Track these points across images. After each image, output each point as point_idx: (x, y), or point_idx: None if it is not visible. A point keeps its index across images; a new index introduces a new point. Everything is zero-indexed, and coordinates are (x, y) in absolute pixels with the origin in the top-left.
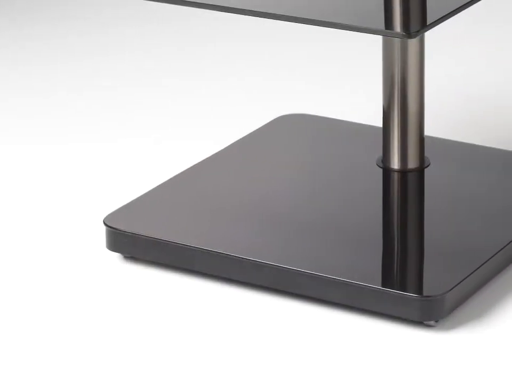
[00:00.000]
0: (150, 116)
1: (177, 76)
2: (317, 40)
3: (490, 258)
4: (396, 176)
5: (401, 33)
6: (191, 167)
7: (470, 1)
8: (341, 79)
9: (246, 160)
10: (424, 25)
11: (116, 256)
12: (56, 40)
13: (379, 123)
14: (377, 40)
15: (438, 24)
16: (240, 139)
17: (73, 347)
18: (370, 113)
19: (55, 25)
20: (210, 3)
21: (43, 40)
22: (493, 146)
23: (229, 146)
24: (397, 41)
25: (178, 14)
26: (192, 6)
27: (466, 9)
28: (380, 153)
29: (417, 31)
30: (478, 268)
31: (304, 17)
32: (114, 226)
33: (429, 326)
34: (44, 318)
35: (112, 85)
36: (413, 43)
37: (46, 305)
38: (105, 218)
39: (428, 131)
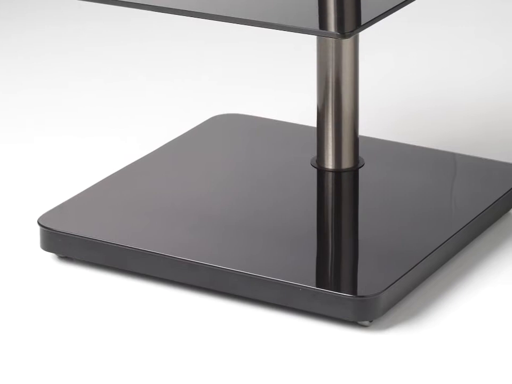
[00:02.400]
0: (84, 116)
1: (111, 76)
2: (251, 40)
3: (424, 258)
4: (330, 176)
5: (336, 33)
6: (125, 167)
7: (404, 2)
8: (275, 80)
9: (180, 160)
10: (358, 25)
11: (50, 256)
12: None
13: (313, 123)
14: (312, 40)
15: (372, 24)
16: (174, 139)
17: (6, 348)
18: (304, 113)
19: None
20: (145, 3)
21: None
22: (427, 146)
23: (163, 146)
24: (331, 41)
25: (111, 14)
26: (127, 6)
27: (400, 9)
28: (314, 153)
29: (352, 31)
30: (412, 268)
31: (239, 17)
32: (48, 226)
33: (363, 326)
34: None
35: (46, 84)
36: (347, 43)
37: None
38: (39, 218)
39: (362, 131)
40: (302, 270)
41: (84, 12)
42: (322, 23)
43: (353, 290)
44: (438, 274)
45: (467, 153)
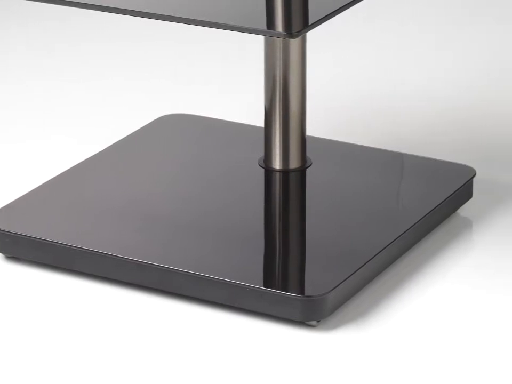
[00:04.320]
0: (30, 116)
1: (59, 76)
2: (199, 41)
3: (371, 258)
4: (277, 176)
5: (283, 33)
6: (73, 167)
7: (351, 2)
8: (223, 80)
9: (128, 160)
10: (306, 25)
11: None
12: None
13: (261, 123)
14: (260, 40)
15: (319, 24)
16: (121, 140)
17: None
18: (252, 113)
19: None
20: (92, 3)
21: None
22: (374, 146)
23: (110, 146)
24: (278, 42)
25: (56, 15)
26: (74, 6)
27: (347, 10)
28: (262, 153)
29: (299, 31)
30: (360, 268)
31: (187, 17)
32: None
33: (310, 326)
34: None
35: None
36: (294, 43)
37: None
38: None
39: (310, 131)
40: (249, 270)
41: (25, 12)
42: (270, 23)
43: (301, 290)
44: (386, 274)
45: (414, 153)
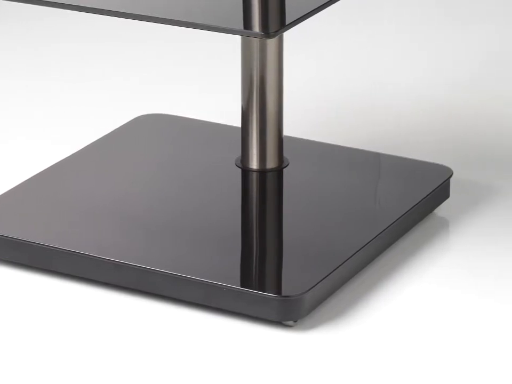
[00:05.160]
0: (7, 116)
1: (37, 76)
2: (176, 41)
3: (349, 258)
4: (254, 176)
5: (260, 33)
6: (49, 167)
7: (328, 2)
8: (201, 80)
9: (105, 160)
10: (283, 25)
11: None
12: None
13: (238, 123)
14: (237, 40)
15: (296, 24)
16: (98, 139)
17: None
18: (230, 113)
19: None
20: (70, 3)
21: None
22: (351, 146)
23: (87, 146)
24: (255, 41)
25: (35, 14)
26: (51, 6)
27: (324, 10)
28: (239, 153)
29: (276, 31)
30: (337, 268)
31: (164, 17)
32: None
33: (287, 326)
34: None
35: None
36: (271, 43)
37: None
38: None
39: (287, 131)
40: (226, 270)
41: (8, 12)
42: (247, 23)
43: (278, 290)
44: (363, 274)
45: (392, 153)
